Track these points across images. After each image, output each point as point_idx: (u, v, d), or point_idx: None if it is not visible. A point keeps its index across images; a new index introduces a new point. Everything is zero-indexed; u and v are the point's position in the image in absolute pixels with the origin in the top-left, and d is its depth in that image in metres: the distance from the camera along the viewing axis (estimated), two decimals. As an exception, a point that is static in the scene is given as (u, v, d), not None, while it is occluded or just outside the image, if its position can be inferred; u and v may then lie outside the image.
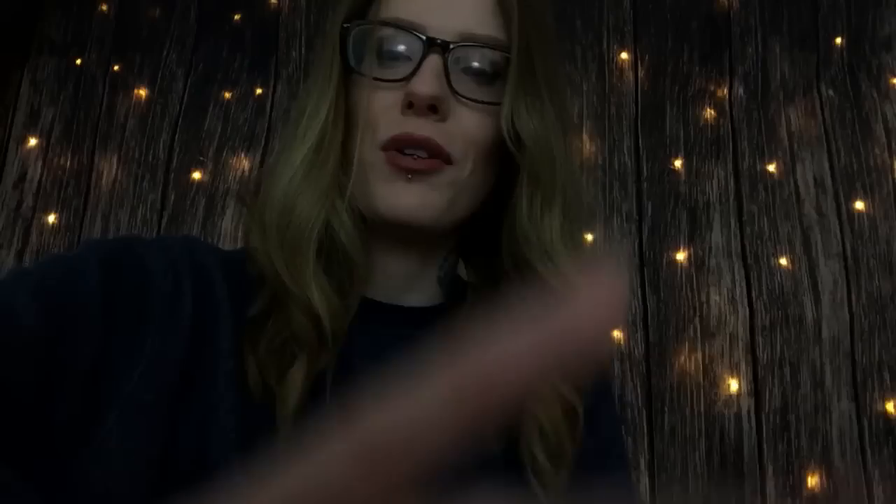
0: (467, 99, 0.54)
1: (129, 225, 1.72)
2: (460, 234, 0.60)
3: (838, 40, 1.70)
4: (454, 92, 0.54)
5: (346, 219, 0.55)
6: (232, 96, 1.81)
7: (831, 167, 1.63)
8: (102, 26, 1.89)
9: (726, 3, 1.76)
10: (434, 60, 0.53)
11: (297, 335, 0.50)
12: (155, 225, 1.72)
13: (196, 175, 1.75)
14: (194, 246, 0.56)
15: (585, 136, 1.70)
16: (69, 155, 1.79)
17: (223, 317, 0.51)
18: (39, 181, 1.78)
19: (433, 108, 0.53)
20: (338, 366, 0.52)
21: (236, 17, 1.84)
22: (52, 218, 1.74)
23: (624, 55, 1.75)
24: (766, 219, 1.61)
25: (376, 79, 0.54)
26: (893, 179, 1.61)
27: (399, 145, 0.53)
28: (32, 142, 1.81)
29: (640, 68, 1.74)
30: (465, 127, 0.54)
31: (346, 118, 0.56)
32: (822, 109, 1.67)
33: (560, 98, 0.59)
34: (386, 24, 0.55)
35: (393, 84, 0.54)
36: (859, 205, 1.60)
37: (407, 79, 0.53)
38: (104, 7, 1.90)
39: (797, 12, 1.74)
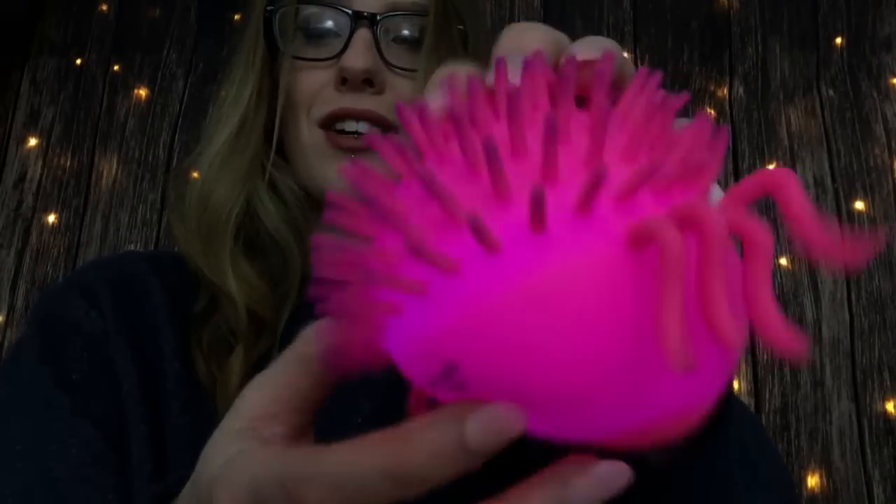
0: (401, 69, 0.53)
1: (130, 225, 1.72)
2: None
3: (838, 40, 1.70)
4: (387, 63, 0.52)
5: (269, 203, 0.53)
6: (232, 96, 1.80)
7: (831, 167, 1.63)
8: (102, 26, 1.89)
9: (726, 3, 1.76)
10: (363, 34, 0.51)
11: (230, 325, 0.50)
12: (155, 225, 1.72)
13: (196, 175, 1.74)
14: (117, 262, 0.55)
15: (585, 136, 1.69)
16: (69, 155, 1.79)
17: (162, 321, 0.50)
18: (39, 181, 1.78)
19: (368, 82, 0.51)
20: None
21: (236, 17, 1.84)
22: (52, 218, 1.74)
23: (624, 55, 1.75)
24: (765, 218, 1.61)
25: (306, 58, 0.53)
26: (893, 179, 1.61)
27: (336, 121, 0.52)
28: (32, 142, 1.80)
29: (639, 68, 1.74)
30: (405, 97, 0.52)
31: (273, 101, 0.54)
32: (822, 109, 1.67)
33: (485, 53, 0.58)
34: (309, 2, 0.53)
35: (324, 62, 0.53)
36: (859, 205, 1.59)
37: (338, 55, 0.52)
38: (104, 7, 1.90)
39: (797, 12, 1.74)
